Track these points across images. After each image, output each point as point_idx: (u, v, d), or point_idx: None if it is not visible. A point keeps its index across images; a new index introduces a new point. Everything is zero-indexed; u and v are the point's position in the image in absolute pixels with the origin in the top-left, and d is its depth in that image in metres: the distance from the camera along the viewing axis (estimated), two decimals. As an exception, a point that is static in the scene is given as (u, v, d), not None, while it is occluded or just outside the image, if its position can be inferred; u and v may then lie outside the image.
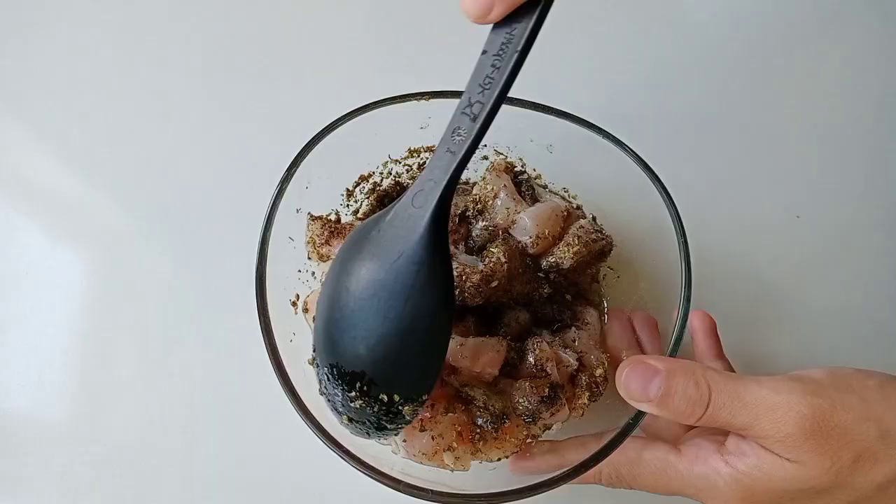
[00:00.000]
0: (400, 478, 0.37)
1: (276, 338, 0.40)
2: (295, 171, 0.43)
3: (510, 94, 0.31)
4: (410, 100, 0.45)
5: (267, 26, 0.64)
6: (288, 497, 0.49)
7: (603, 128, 0.45)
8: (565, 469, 0.38)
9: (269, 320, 0.40)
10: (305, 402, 0.38)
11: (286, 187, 0.43)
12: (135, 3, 0.65)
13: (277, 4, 0.65)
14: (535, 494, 0.37)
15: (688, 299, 0.42)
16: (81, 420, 0.51)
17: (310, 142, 0.44)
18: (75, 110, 0.61)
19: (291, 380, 0.39)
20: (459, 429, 0.40)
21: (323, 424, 0.38)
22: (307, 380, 0.39)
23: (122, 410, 0.51)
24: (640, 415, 0.39)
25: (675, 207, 0.43)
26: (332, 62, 0.62)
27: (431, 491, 0.37)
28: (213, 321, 0.53)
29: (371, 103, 0.45)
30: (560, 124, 0.46)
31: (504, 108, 0.31)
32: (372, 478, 0.37)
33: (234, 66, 0.62)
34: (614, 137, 0.45)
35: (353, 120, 0.45)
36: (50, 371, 0.52)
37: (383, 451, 0.41)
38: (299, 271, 0.47)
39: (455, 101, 0.32)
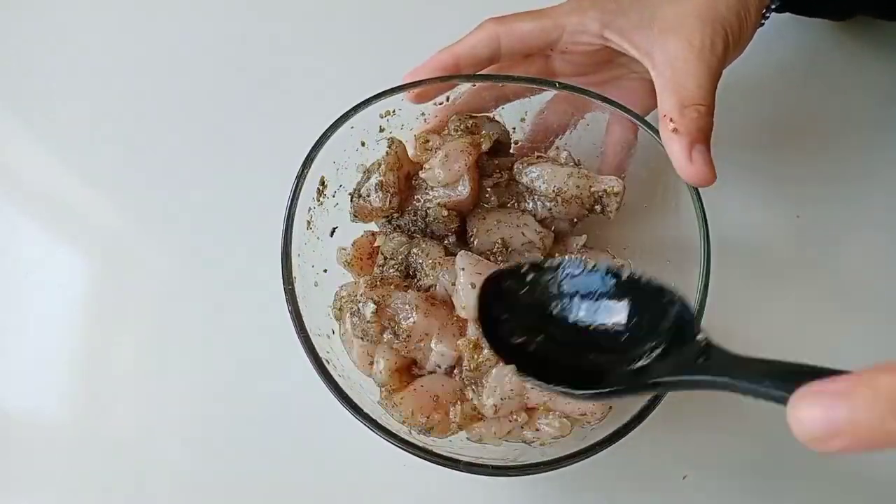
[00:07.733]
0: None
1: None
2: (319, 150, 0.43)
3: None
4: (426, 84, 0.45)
5: (267, 25, 0.64)
6: (289, 495, 0.49)
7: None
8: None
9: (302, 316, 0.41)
10: (335, 378, 0.39)
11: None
12: (135, 2, 0.65)
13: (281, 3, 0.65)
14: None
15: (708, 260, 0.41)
16: (82, 420, 0.51)
17: (326, 131, 0.43)
18: (75, 110, 0.60)
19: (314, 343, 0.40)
20: None
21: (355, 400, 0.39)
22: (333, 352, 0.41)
23: (123, 410, 0.51)
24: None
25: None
26: (336, 60, 0.62)
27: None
28: (214, 321, 0.53)
29: (379, 93, 0.44)
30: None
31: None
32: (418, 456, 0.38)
33: (237, 64, 0.62)
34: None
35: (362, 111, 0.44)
36: (50, 371, 0.51)
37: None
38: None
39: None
